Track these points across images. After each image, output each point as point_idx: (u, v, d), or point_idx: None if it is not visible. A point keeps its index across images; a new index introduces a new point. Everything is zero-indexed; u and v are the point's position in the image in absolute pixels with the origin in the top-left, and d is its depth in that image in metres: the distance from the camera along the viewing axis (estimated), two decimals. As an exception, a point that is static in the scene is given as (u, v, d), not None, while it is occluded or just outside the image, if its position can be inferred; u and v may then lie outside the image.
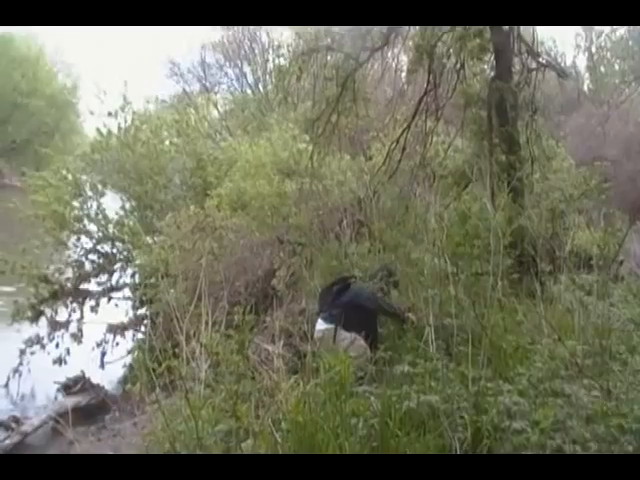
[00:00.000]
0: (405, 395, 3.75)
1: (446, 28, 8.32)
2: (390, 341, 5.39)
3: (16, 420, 7.76)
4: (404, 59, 12.29)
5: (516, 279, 6.04)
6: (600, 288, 4.75)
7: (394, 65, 12.02)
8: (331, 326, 5.40)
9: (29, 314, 9.67)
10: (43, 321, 9.90)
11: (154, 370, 4.02)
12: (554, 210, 7.52)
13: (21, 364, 9.20)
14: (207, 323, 4.45)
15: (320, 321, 5.56)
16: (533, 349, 4.55)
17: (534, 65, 8.24)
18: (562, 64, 19.40)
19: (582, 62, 24.77)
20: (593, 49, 24.34)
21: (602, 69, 24.16)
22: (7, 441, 7.36)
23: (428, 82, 8.62)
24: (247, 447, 3.32)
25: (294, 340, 6.03)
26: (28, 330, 9.70)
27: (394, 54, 11.47)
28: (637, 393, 3.42)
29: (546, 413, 3.15)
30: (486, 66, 9.01)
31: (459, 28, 8.13)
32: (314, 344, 5.22)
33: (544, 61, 8.59)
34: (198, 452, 3.21)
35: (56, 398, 8.83)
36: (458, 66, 8.58)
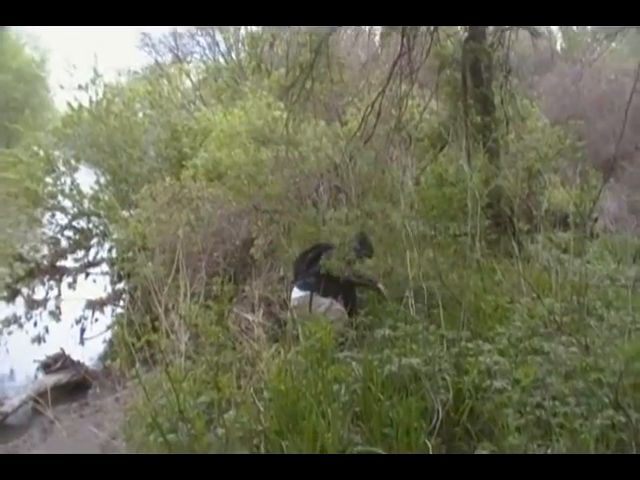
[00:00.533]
0: (386, 359, 3.76)
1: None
2: (370, 305, 5.40)
3: (-5, 400, 7.71)
4: (377, 22, 12.17)
5: (494, 239, 6.07)
6: (576, 245, 4.78)
7: (367, 29, 11.88)
8: (306, 293, 5.38)
9: (5, 294, 9.57)
10: (20, 300, 9.80)
11: (133, 344, 3.98)
12: (530, 169, 7.54)
13: (-1, 344, 9.12)
14: (185, 295, 4.41)
15: (295, 289, 5.55)
16: (512, 308, 4.59)
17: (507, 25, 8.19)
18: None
19: (555, 21, 24.71)
20: (566, 8, 24.28)
21: (574, 28, 24.11)
22: (-13, 422, 7.32)
23: (402, 45, 8.51)
24: (229, 418, 3.31)
25: (274, 308, 6.03)
26: (5, 310, 9.61)
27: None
28: (614, 347, 3.46)
29: (526, 371, 3.18)
30: (459, 27, 8.94)
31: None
32: (291, 312, 5.22)
33: (517, 20, 8.53)
34: (180, 424, 3.19)
35: (36, 377, 8.78)
36: (431, 28, 8.48)
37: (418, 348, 3.90)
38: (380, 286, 5.44)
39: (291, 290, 5.63)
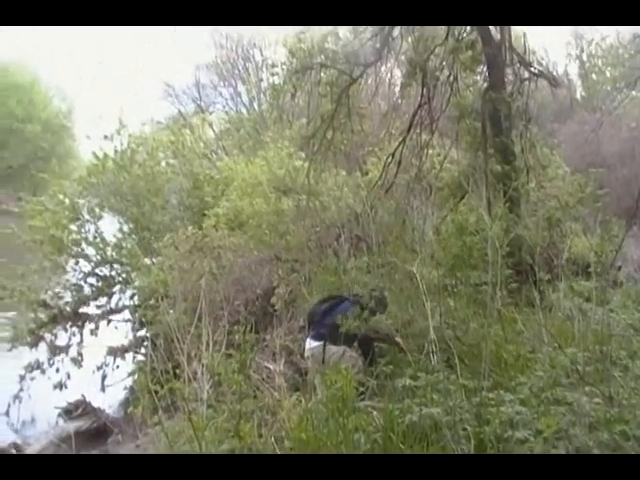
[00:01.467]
0: (407, 409, 3.73)
1: (438, 41, 8.40)
2: (391, 355, 5.37)
3: (17, 447, 7.74)
4: (397, 73, 12.40)
5: (515, 288, 6.04)
6: (598, 294, 4.75)
7: (388, 80, 12.12)
8: (320, 343, 5.39)
9: (28, 339, 9.66)
10: (43, 346, 9.87)
11: (156, 392, 4.00)
12: (550, 218, 7.53)
13: (21, 390, 9.17)
14: (208, 343, 4.44)
15: (309, 340, 5.56)
16: (534, 358, 4.55)
17: (526, 75, 8.32)
18: (554, 73, 19.47)
19: (574, 70, 24.97)
20: (584, 57, 24.55)
21: (594, 76, 24.32)
22: (8, 468, 7.30)
23: (422, 95, 8.68)
24: (250, 466, 3.30)
25: (295, 357, 6.02)
26: (28, 356, 9.68)
27: (387, 69, 11.56)
28: (639, 399, 3.41)
29: (549, 422, 3.14)
30: (479, 77, 9.08)
31: (451, 40, 8.22)
32: (306, 362, 5.22)
33: (536, 70, 8.67)
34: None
35: (57, 423, 8.79)
36: (451, 78, 8.64)
37: (439, 398, 3.88)
38: (398, 340, 5.41)
39: (305, 341, 5.65)
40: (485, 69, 8.32)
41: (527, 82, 8.30)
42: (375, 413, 3.86)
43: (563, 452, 3.02)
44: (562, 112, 18.15)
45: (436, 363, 4.53)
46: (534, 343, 4.82)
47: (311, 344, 5.47)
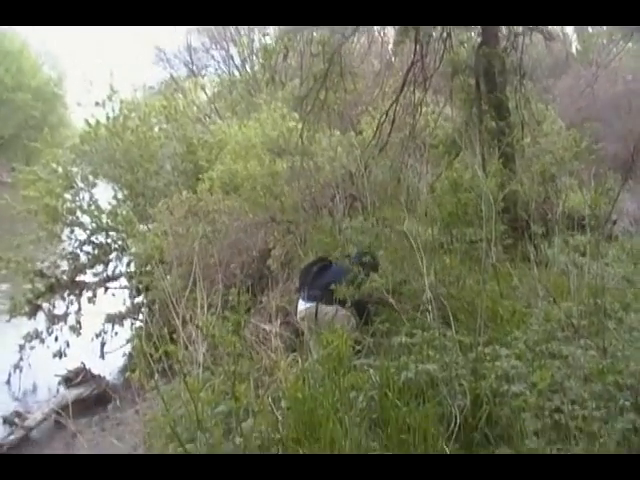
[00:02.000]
0: (403, 366, 3.75)
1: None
2: (387, 313, 5.38)
3: (19, 415, 7.81)
4: (390, 31, 12.22)
5: (510, 244, 6.03)
6: (593, 248, 4.74)
7: (380, 38, 11.93)
8: (312, 304, 5.40)
9: (26, 309, 9.66)
10: (41, 315, 9.90)
11: (152, 356, 4.01)
12: (545, 173, 7.50)
13: (21, 359, 9.22)
14: (202, 306, 4.43)
15: (301, 302, 5.57)
16: (529, 313, 4.56)
17: (520, 29, 8.17)
18: (549, 27, 19.21)
19: (569, 23, 24.64)
20: (580, 10, 24.19)
21: (590, 29, 23.99)
22: (11, 437, 7.41)
23: (415, 53, 8.54)
24: (247, 426, 3.32)
25: (291, 318, 6.02)
26: (26, 325, 9.72)
27: (380, 26, 11.38)
28: (632, 350, 3.42)
29: (543, 375, 3.15)
30: (473, 33, 8.95)
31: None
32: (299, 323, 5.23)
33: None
34: (199, 434, 3.21)
35: (58, 391, 8.86)
36: (444, 35, 8.50)
37: (435, 354, 3.89)
38: (392, 301, 5.39)
39: (297, 302, 5.65)
40: (479, 24, 8.18)
41: (521, 37, 8.16)
42: (371, 371, 3.87)
43: (557, 403, 3.04)
44: (557, 66, 17.92)
45: (432, 320, 4.54)
46: (529, 298, 4.83)
47: (303, 305, 5.48)
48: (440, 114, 9.26)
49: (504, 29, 8.22)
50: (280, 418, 3.49)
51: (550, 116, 9.96)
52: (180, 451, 3.24)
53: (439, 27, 8.63)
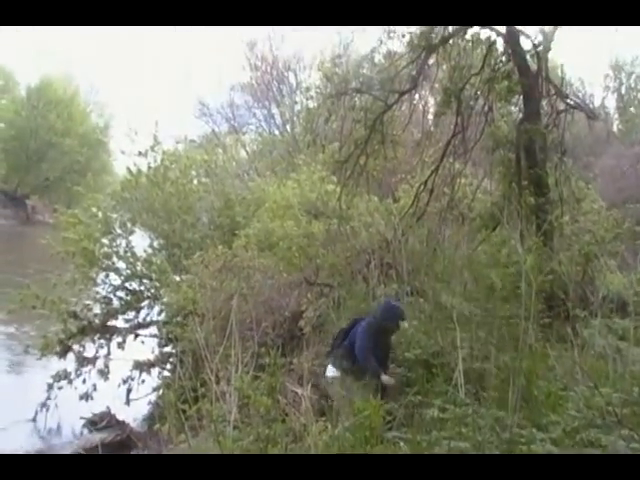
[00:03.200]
0: (435, 441, 3.69)
1: (474, 70, 8.42)
2: (419, 384, 5.32)
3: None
4: (431, 101, 12.44)
5: (547, 323, 5.96)
6: (636, 334, 4.66)
7: (422, 107, 12.14)
8: (338, 374, 5.40)
9: (57, 349, 9.76)
10: (71, 357, 9.98)
11: (184, 411, 4.01)
12: (587, 254, 7.42)
13: (49, 398, 9.28)
14: (237, 364, 4.44)
15: (330, 367, 5.58)
16: (566, 396, 4.46)
17: (562, 107, 8.28)
18: (591, 105, 19.37)
19: (611, 103, 24.83)
20: (623, 90, 24.38)
21: (632, 109, 24.11)
22: (34, 476, 7.39)
23: (456, 124, 8.68)
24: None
25: (320, 381, 5.99)
26: (56, 365, 9.80)
27: (422, 96, 11.60)
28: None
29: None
30: (514, 108, 9.07)
31: (487, 70, 8.22)
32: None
33: (572, 102, 8.62)
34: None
35: (82, 433, 8.87)
36: (486, 108, 8.64)
37: (467, 432, 3.82)
38: (383, 378, 5.32)
39: (325, 366, 5.65)
40: (521, 100, 8.30)
41: (563, 114, 8.25)
42: (402, 444, 3.81)
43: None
44: (598, 145, 17.96)
45: (464, 395, 4.48)
46: (566, 380, 4.74)
47: (331, 372, 5.51)
48: (479, 187, 9.31)
49: (546, 106, 8.33)
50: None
51: (590, 195, 9.93)
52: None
53: (481, 100, 8.80)
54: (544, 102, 8.20)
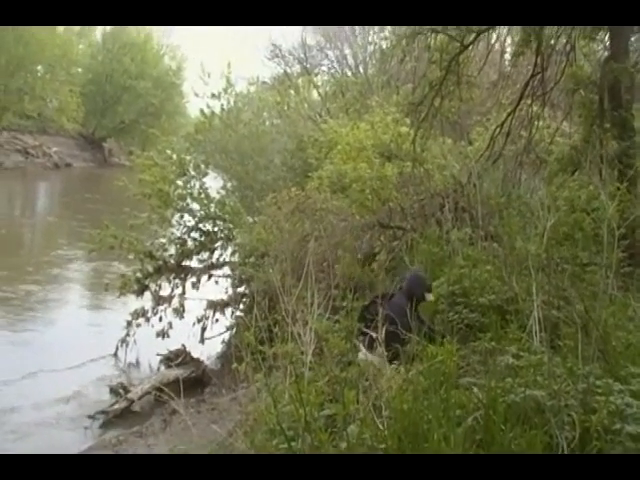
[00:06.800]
0: (509, 388, 3.67)
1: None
2: (493, 331, 5.29)
3: (124, 387, 8.30)
4: (509, 41, 11.96)
5: (627, 272, 5.78)
6: None
7: (499, 47, 11.71)
8: (370, 359, 5.22)
9: (135, 287, 10.14)
10: (147, 295, 10.37)
11: (261, 352, 4.12)
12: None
13: (128, 335, 9.70)
14: (312, 305, 4.49)
15: (361, 347, 5.09)
16: (645, 348, 4.36)
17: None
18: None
19: None
20: None
21: None
22: (115, 406, 7.90)
23: (535, 64, 8.33)
24: (352, 433, 3.35)
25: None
26: (134, 303, 10.22)
27: (500, 35, 11.17)
28: None
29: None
30: (599, 46, 8.63)
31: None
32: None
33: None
34: (305, 434, 3.27)
35: (158, 369, 9.28)
36: (568, 47, 8.24)
37: (543, 380, 3.79)
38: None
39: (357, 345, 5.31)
40: (606, 37, 7.87)
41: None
42: (476, 390, 3.82)
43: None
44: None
45: (539, 343, 4.43)
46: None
47: (362, 354, 5.26)
48: (557, 130, 8.98)
49: (635, 42, 7.90)
50: (381, 427, 3.51)
51: (679, 138, 9.44)
52: (284, 448, 3.32)
53: (563, 38, 8.39)
54: (633, 38, 7.75)
